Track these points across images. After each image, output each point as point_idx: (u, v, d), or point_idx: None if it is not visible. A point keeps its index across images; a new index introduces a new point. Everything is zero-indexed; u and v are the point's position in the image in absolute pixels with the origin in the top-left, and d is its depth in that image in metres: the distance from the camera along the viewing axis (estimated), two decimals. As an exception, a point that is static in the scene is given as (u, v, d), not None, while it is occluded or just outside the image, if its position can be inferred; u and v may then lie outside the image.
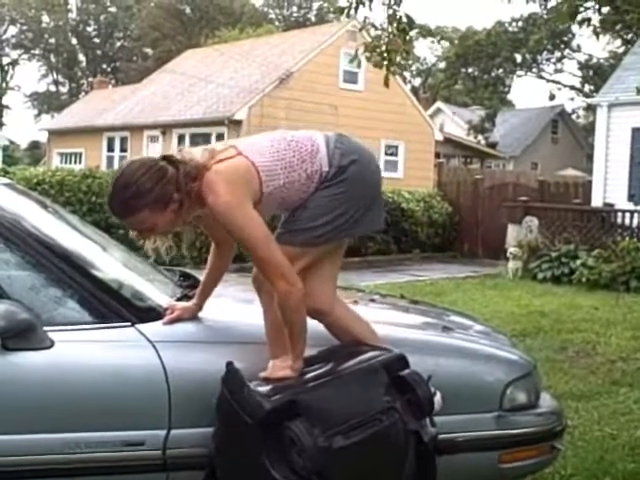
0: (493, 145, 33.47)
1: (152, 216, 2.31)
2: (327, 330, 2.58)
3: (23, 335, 2.20)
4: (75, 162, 23.87)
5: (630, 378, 5.54)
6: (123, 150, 22.97)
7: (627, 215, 12.61)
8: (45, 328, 2.26)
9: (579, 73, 38.77)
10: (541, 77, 38.40)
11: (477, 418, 2.68)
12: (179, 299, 2.73)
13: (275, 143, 2.47)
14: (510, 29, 33.14)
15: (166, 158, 2.36)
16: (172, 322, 2.47)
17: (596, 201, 15.46)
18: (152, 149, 21.52)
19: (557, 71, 38.27)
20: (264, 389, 2.21)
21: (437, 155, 23.00)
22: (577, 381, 5.38)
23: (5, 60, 52.22)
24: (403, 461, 2.29)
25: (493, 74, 35.69)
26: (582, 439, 4.09)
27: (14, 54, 52.23)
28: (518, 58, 35.45)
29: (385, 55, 5.86)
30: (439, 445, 2.44)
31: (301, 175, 2.44)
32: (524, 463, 2.82)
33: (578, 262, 11.39)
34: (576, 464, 3.70)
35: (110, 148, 23.57)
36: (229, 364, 2.29)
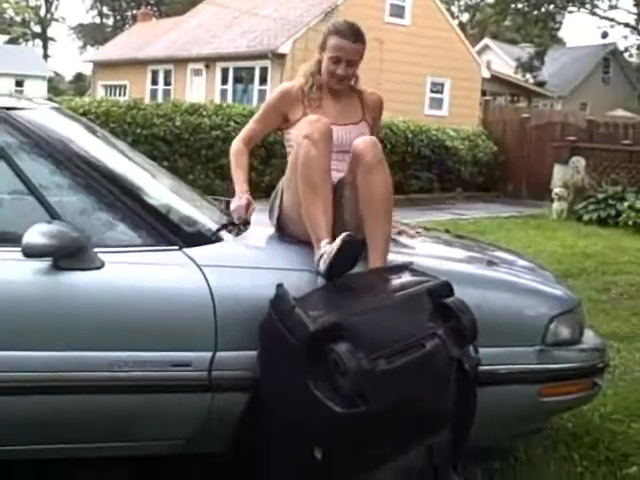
0: (541, 84, 32.60)
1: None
2: None
3: (75, 255, 2.24)
4: (119, 95, 23.84)
5: (674, 321, 5.48)
6: (167, 83, 22.94)
7: (679, 157, 12.29)
8: (95, 249, 2.31)
9: (635, 10, 37.22)
10: (594, 14, 36.96)
11: (520, 351, 2.68)
12: (225, 226, 2.76)
13: None
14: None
15: None
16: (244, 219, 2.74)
17: (647, 142, 15.01)
18: (196, 83, 21.46)
19: (611, 7, 36.80)
20: (311, 311, 2.22)
21: (483, 93, 22.51)
22: (620, 322, 5.33)
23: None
24: (444, 387, 2.31)
25: (543, 10, 34.47)
26: (622, 379, 4.08)
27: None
28: (570, -7, 34.15)
29: None
30: (481, 376, 2.45)
31: None
32: (564, 398, 2.83)
33: (625, 204, 11.17)
34: (616, 402, 3.69)
35: (154, 81, 23.55)
36: (279, 286, 2.31)
